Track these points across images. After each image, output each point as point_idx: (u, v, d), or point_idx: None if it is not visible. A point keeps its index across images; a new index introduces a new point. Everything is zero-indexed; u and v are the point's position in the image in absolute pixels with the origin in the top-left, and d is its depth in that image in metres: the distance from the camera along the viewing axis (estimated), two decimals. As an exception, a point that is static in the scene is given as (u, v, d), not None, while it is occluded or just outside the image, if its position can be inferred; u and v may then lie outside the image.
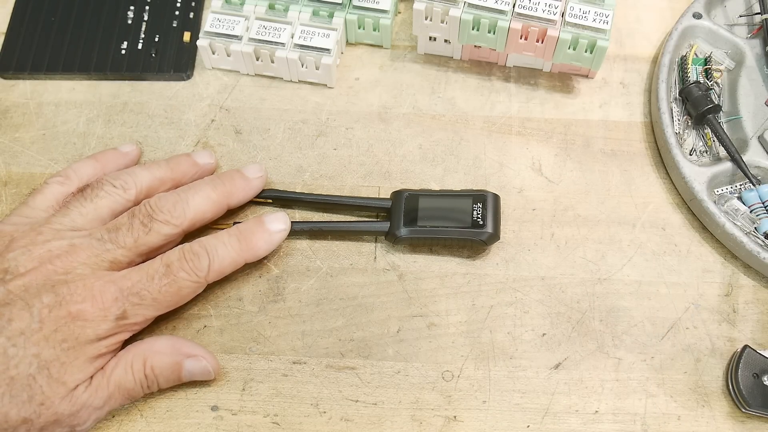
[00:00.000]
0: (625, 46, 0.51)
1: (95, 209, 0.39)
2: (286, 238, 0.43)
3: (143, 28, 0.51)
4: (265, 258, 0.43)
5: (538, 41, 0.46)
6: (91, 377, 0.35)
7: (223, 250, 0.39)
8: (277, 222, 0.41)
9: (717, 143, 0.45)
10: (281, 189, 0.45)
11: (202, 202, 0.40)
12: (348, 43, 0.51)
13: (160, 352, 0.37)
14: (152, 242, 0.38)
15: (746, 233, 0.42)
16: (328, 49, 0.47)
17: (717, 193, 0.44)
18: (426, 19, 0.46)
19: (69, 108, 0.49)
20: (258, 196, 0.44)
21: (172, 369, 0.37)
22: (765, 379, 0.38)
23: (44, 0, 0.52)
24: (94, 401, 0.35)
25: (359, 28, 0.50)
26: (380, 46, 0.51)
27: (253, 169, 0.43)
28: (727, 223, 0.42)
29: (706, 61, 0.48)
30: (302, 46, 0.47)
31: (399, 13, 0.52)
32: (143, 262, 0.38)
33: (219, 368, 0.39)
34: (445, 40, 0.49)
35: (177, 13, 0.52)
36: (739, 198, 0.44)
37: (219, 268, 0.39)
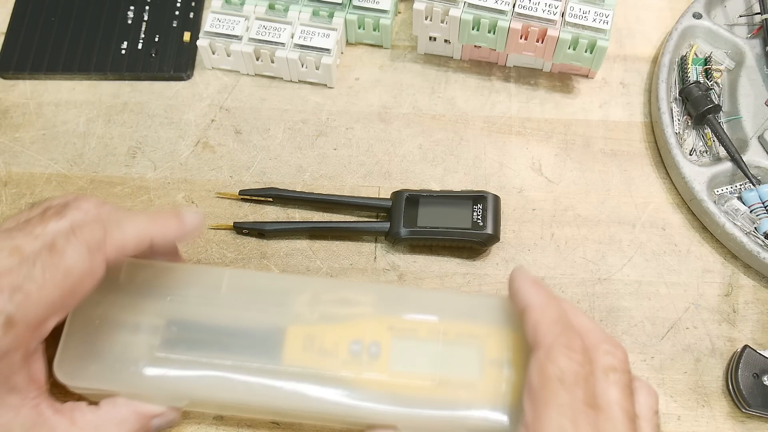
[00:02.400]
0: (625, 46, 0.51)
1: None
2: (285, 238, 0.43)
3: (143, 28, 0.51)
4: (265, 258, 0.43)
5: (538, 41, 0.46)
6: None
7: (126, 222, 0.32)
8: (190, 215, 0.35)
9: (717, 143, 0.45)
10: (281, 188, 0.45)
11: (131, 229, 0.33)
12: (348, 43, 0.51)
13: (120, 422, 0.33)
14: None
15: (746, 233, 0.42)
16: (328, 49, 0.47)
17: (717, 193, 0.44)
18: (426, 19, 0.46)
19: (69, 108, 0.49)
20: (258, 195, 0.44)
21: None
22: (765, 379, 0.38)
23: (44, 0, 0.52)
24: None
25: (359, 28, 0.50)
26: (380, 46, 0.51)
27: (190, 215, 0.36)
28: (727, 223, 0.42)
29: (706, 61, 0.48)
30: (302, 46, 0.47)
31: (399, 13, 0.52)
32: None
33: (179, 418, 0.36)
34: (445, 40, 0.49)
35: (177, 13, 0.52)
36: (739, 198, 0.44)
37: (119, 236, 0.32)
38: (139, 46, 0.50)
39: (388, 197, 0.44)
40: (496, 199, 0.43)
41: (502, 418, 0.32)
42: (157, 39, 0.51)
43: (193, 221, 0.35)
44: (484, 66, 0.50)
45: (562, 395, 0.28)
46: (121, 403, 0.33)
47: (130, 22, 0.51)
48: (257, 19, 0.48)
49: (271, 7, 0.48)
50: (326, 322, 0.34)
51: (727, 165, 0.44)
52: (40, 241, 0.30)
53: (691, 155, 0.45)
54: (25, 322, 0.29)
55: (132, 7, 0.52)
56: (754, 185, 0.43)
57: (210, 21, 0.48)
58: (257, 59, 0.48)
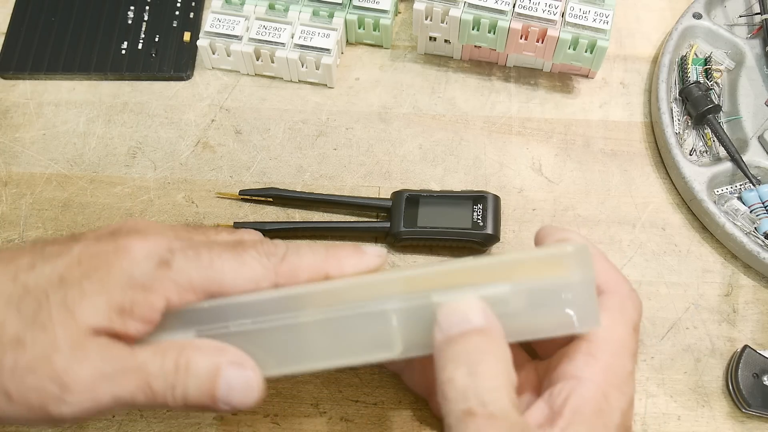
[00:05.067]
0: (625, 46, 0.51)
1: None
2: (286, 239, 0.43)
3: (143, 28, 0.51)
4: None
5: (538, 41, 0.46)
6: (109, 336, 0.29)
7: (305, 251, 0.32)
8: (373, 250, 0.34)
9: (717, 143, 0.45)
10: (281, 188, 0.45)
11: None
12: (348, 43, 0.51)
13: (199, 348, 0.30)
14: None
15: (746, 233, 0.42)
16: (328, 49, 0.47)
17: (717, 193, 0.44)
18: (426, 19, 0.46)
19: (69, 108, 0.49)
20: (258, 195, 0.44)
21: (208, 373, 0.29)
22: (765, 379, 0.38)
23: (44, 0, 0.52)
24: (103, 366, 0.28)
25: (359, 28, 0.50)
26: (380, 46, 0.51)
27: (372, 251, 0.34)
28: (727, 223, 0.42)
29: (706, 61, 0.48)
30: (302, 46, 0.47)
31: (399, 13, 0.52)
32: None
33: (263, 391, 0.31)
34: (445, 40, 0.49)
35: (177, 13, 0.52)
36: (739, 198, 0.44)
37: (295, 262, 0.31)
38: (139, 46, 0.50)
39: (388, 197, 0.44)
40: (496, 199, 0.43)
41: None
42: (157, 39, 0.51)
43: (376, 258, 0.33)
44: (484, 66, 0.50)
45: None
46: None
47: (130, 22, 0.51)
48: (257, 19, 0.48)
49: (271, 7, 0.48)
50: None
51: (727, 165, 0.44)
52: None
53: (691, 155, 0.45)
54: (175, 280, 0.29)
55: (132, 7, 0.52)
56: (754, 185, 0.43)
57: (210, 21, 0.48)
58: (257, 59, 0.48)
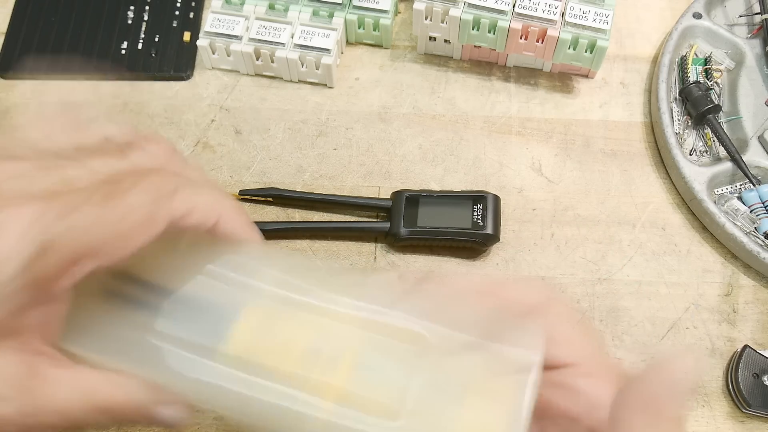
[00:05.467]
0: (625, 46, 0.51)
1: None
2: (285, 238, 0.43)
3: (143, 28, 0.51)
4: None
5: (538, 41, 0.46)
6: None
7: (202, 190, 0.27)
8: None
9: (717, 143, 0.45)
10: (281, 188, 0.45)
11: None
12: (348, 43, 0.51)
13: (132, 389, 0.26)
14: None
15: (746, 233, 0.42)
16: (328, 49, 0.47)
17: (717, 193, 0.44)
18: (426, 19, 0.46)
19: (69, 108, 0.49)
20: (258, 195, 0.44)
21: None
22: (765, 379, 0.38)
23: (44, 0, 0.52)
24: None
25: (359, 28, 0.50)
26: (380, 46, 0.51)
27: None
28: (727, 223, 0.42)
29: (706, 61, 0.48)
30: (302, 46, 0.47)
31: (399, 13, 0.52)
32: None
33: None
34: (445, 40, 0.49)
35: (177, 13, 0.52)
36: (739, 198, 0.44)
37: (190, 198, 0.27)
38: (139, 46, 0.50)
39: (388, 197, 0.44)
40: (496, 199, 0.43)
41: None
42: (157, 39, 0.51)
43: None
44: (484, 66, 0.50)
45: None
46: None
47: (130, 22, 0.51)
48: (257, 19, 0.48)
49: (271, 7, 0.48)
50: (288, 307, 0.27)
51: (727, 165, 0.44)
52: (97, 175, 0.25)
53: (691, 155, 0.45)
54: (67, 249, 0.23)
55: (132, 7, 0.52)
56: (754, 185, 0.43)
57: (210, 21, 0.48)
58: (257, 59, 0.48)
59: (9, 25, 0.51)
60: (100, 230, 0.24)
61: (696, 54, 0.48)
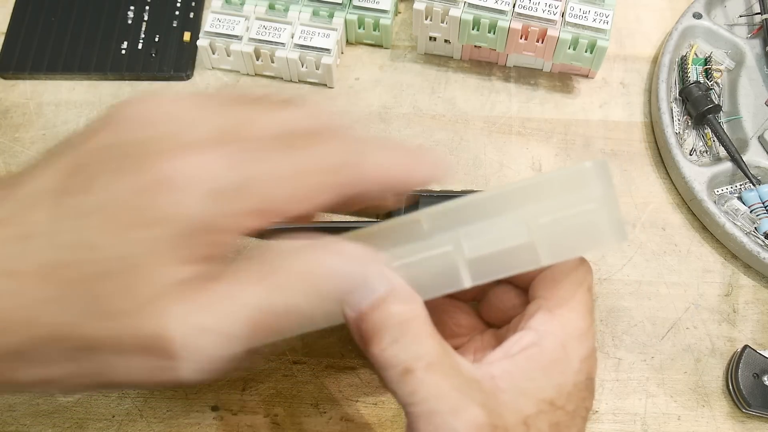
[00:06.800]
0: (625, 46, 0.51)
1: None
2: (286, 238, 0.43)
3: (143, 28, 0.51)
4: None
5: (538, 41, 0.46)
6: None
7: (381, 148, 0.29)
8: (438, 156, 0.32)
9: (717, 143, 0.45)
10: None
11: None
12: (348, 43, 0.51)
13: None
14: None
15: (746, 233, 0.42)
16: (328, 49, 0.47)
17: (717, 193, 0.44)
18: (426, 19, 0.46)
19: (69, 108, 0.49)
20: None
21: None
22: (765, 379, 0.38)
23: (44, 0, 0.52)
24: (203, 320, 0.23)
25: (359, 28, 0.50)
26: (380, 46, 0.51)
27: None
28: (727, 223, 0.42)
29: (706, 61, 0.48)
30: (302, 46, 0.47)
31: (399, 13, 0.52)
32: None
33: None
34: (445, 40, 0.49)
35: (177, 13, 0.52)
36: (739, 198, 0.44)
37: (375, 161, 0.28)
38: (139, 46, 0.50)
39: (388, 197, 0.44)
40: (496, 199, 0.43)
41: None
42: (157, 39, 0.51)
43: (443, 165, 0.30)
44: (484, 66, 0.50)
45: None
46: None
47: (130, 22, 0.51)
48: (257, 19, 0.48)
49: (271, 7, 0.48)
50: None
51: (727, 165, 0.44)
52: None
53: (691, 155, 0.45)
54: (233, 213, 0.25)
55: (132, 7, 0.52)
56: (754, 185, 0.43)
57: (210, 21, 0.48)
58: (257, 59, 0.48)
59: (9, 25, 0.51)
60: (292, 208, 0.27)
61: (696, 54, 0.48)
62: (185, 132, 0.25)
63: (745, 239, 0.42)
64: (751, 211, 0.43)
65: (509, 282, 0.33)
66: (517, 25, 0.45)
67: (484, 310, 0.34)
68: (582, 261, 0.31)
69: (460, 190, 0.44)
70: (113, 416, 0.38)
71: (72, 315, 0.23)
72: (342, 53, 0.51)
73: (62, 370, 0.24)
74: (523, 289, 0.33)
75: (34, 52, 0.50)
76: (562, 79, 0.50)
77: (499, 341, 0.31)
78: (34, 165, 0.25)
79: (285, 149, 0.26)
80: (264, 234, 0.43)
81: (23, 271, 0.23)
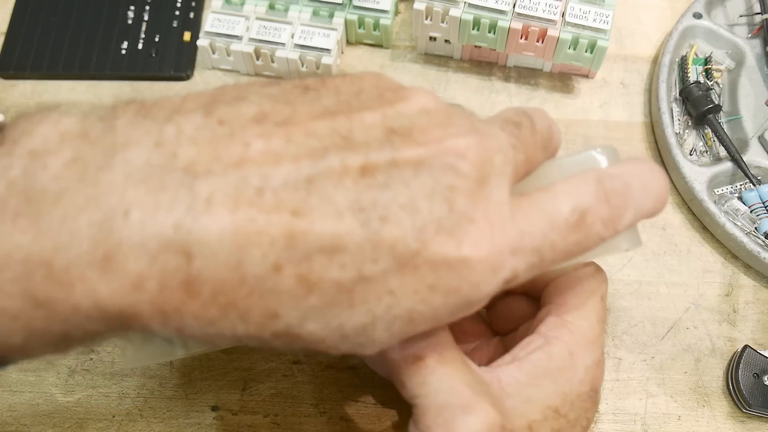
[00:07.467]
0: (625, 46, 0.51)
1: None
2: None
3: (143, 28, 0.51)
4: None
5: (538, 41, 0.46)
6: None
7: (642, 191, 0.26)
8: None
9: (717, 143, 0.45)
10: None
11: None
12: (348, 43, 0.51)
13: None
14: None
15: (746, 233, 0.42)
16: (328, 49, 0.47)
17: (717, 193, 0.44)
18: (426, 19, 0.46)
19: (69, 108, 0.49)
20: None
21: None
22: (765, 379, 0.38)
23: (44, 0, 0.52)
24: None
25: (359, 28, 0.50)
26: (380, 46, 0.51)
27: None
28: (727, 223, 0.42)
29: (706, 61, 0.48)
30: (302, 46, 0.47)
31: (399, 13, 0.52)
32: None
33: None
34: (445, 40, 0.49)
35: (177, 13, 0.52)
36: (740, 198, 0.44)
37: (635, 215, 0.26)
38: (140, 46, 0.50)
39: (388, 197, 0.44)
40: (497, 199, 0.43)
41: None
42: (157, 39, 0.51)
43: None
44: (484, 66, 0.50)
45: None
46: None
47: (130, 22, 0.51)
48: (257, 19, 0.48)
49: (271, 7, 0.48)
50: None
51: (728, 165, 0.44)
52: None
53: (691, 155, 0.45)
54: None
55: (132, 7, 0.52)
56: (754, 185, 0.43)
57: (210, 21, 0.48)
58: (257, 59, 0.48)
59: (9, 25, 0.51)
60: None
61: (696, 54, 0.48)
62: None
63: (745, 239, 0.42)
64: (751, 211, 0.43)
65: (520, 291, 0.33)
66: (517, 25, 0.45)
67: (493, 318, 0.34)
68: (597, 269, 0.31)
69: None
70: (113, 416, 0.38)
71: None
72: (342, 53, 0.51)
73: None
74: (534, 298, 0.32)
75: (34, 52, 0.50)
76: (562, 79, 0.50)
77: (506, 349, 0.31)
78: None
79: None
80: None
81: None
